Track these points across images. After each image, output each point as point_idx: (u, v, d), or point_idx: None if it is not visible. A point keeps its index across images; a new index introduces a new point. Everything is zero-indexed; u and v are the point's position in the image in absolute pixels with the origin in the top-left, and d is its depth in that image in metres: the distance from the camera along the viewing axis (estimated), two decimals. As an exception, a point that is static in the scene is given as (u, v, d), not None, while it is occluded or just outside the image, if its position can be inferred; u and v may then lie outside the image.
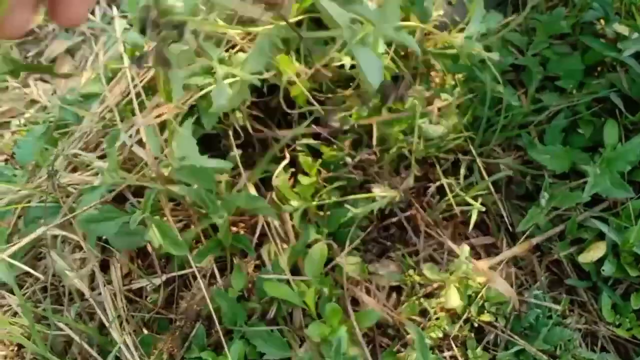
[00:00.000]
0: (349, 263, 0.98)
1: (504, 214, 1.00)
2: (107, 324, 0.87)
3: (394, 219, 1.06)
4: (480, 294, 0.94)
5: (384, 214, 1.07)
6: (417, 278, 0.98)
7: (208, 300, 0.88)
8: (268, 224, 0.98)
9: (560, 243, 1.00)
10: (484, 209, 0.95)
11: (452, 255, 1.03)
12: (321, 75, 1.06)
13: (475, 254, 1.03)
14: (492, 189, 1.00)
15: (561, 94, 1.10)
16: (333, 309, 0.88)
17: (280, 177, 0.99)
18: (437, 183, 1.00)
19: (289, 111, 1.03)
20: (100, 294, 0.90)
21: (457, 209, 0.97)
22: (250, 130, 1.08)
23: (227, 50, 1.05)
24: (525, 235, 1.01)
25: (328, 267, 0.97)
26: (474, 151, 1.02)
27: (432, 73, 1.15)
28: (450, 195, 0.95)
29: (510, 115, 1.05)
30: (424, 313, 0.98)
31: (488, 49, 1.01)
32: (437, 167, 1.00)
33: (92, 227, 0.89)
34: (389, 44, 1.04)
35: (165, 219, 0.97)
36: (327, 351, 0.89)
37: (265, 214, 0.93)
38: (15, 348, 0.93)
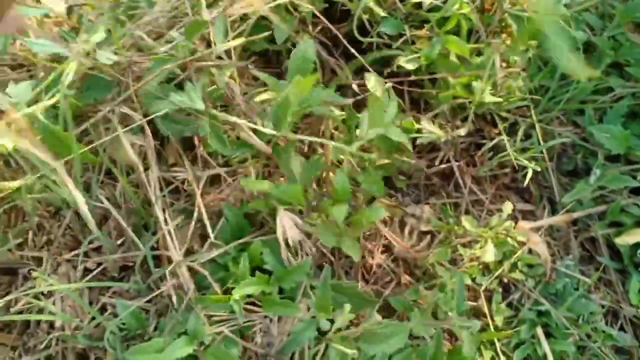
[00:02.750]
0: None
1: (553, 182, 1.01)
2: (153, 199, 0.87)
3: (439, 168, 1.06)
4: (516, 254, 0.95)
5: (431, 163, 1.07)
6: (455, 228, 0.98)
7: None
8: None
9: (600, 222, 1.02)
10: (539, 169, 0.96)
11: (490, 214, 1.04)
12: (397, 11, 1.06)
13: (513, 218, 1.04)
14: (546, 156, 1.00)
15: (627, 81, 1.11)
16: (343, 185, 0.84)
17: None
18: (495, 140, 1.00)
19: (360, 39, 1.03)
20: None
21: (510, 167, 0.97)
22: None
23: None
24: (565, 209, 1.02)
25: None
26: (534, 116, 1.02)
27: (504, 35, 1.14)
28: (510, 150, 0.95)
29: (576, 90, 1.05)
30: (454, 262, 0.99)
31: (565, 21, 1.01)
32: (498, 124, 1.00)
33: (151, 101, 0.89)
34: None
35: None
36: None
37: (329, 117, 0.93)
38: (53, 210, 0.93)
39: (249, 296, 0.84)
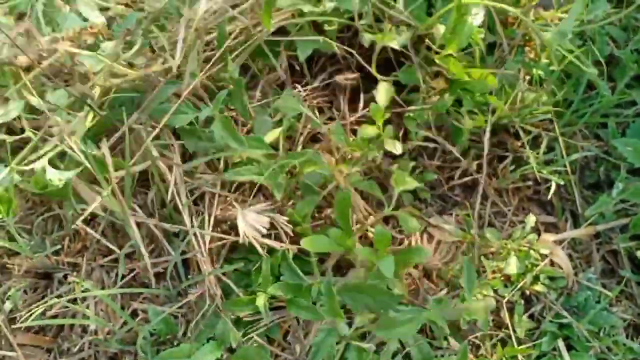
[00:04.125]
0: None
1: (576, 195, 1.02)
2: (180, 206, 0.89)
3: (462, 180, 1.08)
4: (538, 267, 0.96)
5: (452, 175, 1.09)
6: (478, 239, 1.00)
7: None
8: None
9: (622, 235, 1.02)
10: (562, 182, 0.97)
11: (512, 225, 1.05)
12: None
13: (536, 230, 1.04)
14: (569, 169, 1.01)
15: (651, 95, 1.11)
16: (382, 233, 0.86)
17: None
18: (517, 153, 1.02)
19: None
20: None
21: (533, 180, 0.98)
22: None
23: None
24: (588, 222, 1.03)
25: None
26: (557, 130, 1.03)
27: (527, 48, 1.15)
28: (534, 163, 0.96)
29: (599, 103, 1.06)
30: (476, 273, 1.00)
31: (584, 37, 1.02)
32: (521, 136, 1.01)
33: (161, 115, 0.91)
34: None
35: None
36: (372, 277, 0.89)
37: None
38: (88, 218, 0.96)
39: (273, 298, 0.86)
